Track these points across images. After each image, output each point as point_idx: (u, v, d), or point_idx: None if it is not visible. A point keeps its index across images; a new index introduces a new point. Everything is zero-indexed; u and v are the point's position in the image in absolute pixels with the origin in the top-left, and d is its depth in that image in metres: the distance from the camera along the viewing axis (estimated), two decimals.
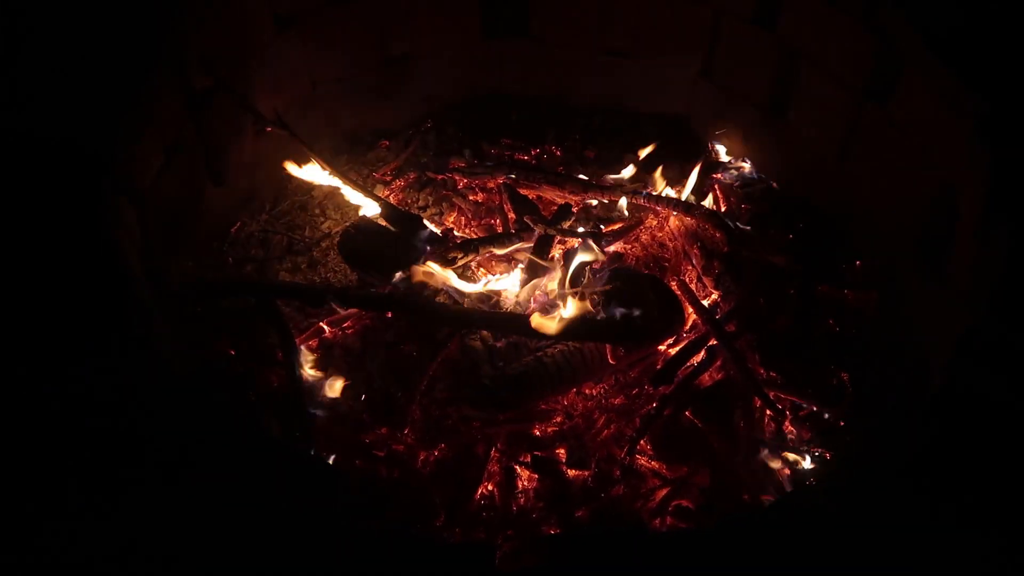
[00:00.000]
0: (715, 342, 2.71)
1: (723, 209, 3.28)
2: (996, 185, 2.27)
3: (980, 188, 2.35)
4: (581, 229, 3.13)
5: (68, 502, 1.65)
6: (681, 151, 3.66)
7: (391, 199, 3.33)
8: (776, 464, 2.55)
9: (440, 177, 3.47)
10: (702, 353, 2.73)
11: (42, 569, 1.57)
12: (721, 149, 3.61)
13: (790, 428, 2.63)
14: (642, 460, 2.54)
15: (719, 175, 3.47)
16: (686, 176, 3.35)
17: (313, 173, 3.11)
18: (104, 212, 2.09)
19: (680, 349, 2.73)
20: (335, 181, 3.14)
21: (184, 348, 2.46)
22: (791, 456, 2.56)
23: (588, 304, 2.61)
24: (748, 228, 3.16)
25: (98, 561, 1.58)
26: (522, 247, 3.04)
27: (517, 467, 2.51)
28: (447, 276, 2.85)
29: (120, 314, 1.91)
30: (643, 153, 3.42)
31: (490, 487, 2.47)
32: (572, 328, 2.54)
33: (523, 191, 3.32)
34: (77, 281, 1.95)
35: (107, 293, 1.93)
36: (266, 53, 3.09)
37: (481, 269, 3.03)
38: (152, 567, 1.58)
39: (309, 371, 2.66)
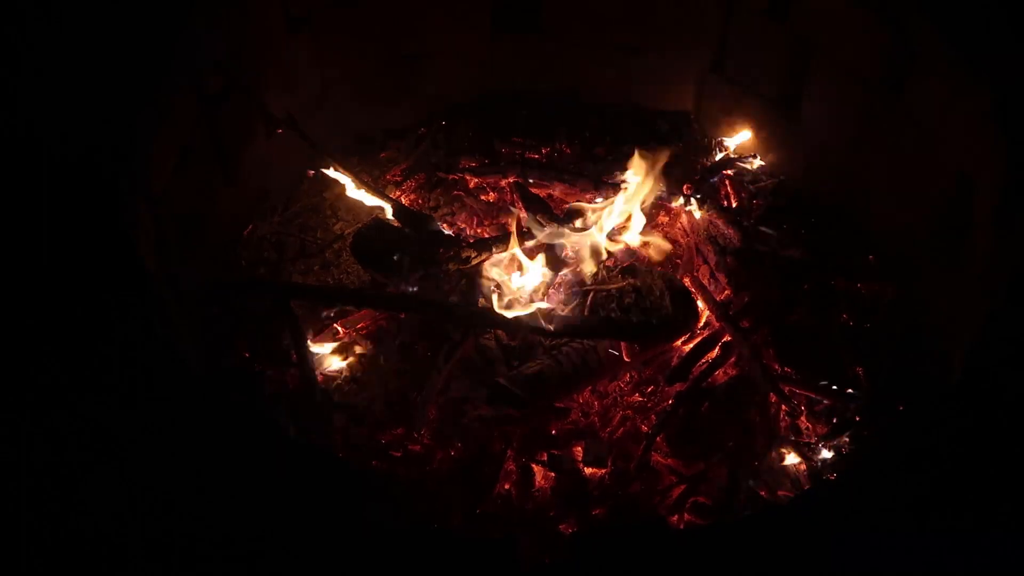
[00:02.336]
0: (729, 338, 2.71)
1: (735, 204, 3.27)
2: (1014, 174, 2.25)
3: (997, 177, 2.33)
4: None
5: (86, 500, 1.65)
6: (691, 146, 3.66)
7: (402, 199, 3.33)
8: (793, 459, 2.54)
9: (451, 177, 3.47)
10: (717, 349, 2.72)
11: (64, 565, 1.58)
12: (731, 144, 3.60)
13: (806, 423, 2.62)
14: (658, 457, 2.54)
15: (730, 171, 3.46)
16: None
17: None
18: (122, 214, 2.09)
19: (694, 346, 2.73)
20: (347, 181, 3.14)
21: (202, 349, 2.47)
22: (808, 451, 2.55)
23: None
24: (760, 223, 3.15)
25: (117, 559, 1.59)
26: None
27: (534, 465, 2.51)
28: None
29: (140, 315, 1.91)
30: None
31: (507, 486, 2.47)
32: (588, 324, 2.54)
33: (534, 190, 3.32)
34: (97, 282, 1.95)
35: (127, 294, 1.94)
36: (278, 54, 3.10)
37: (495, 268, 3.02)
38: (170, 565, 1.58)
39: (323, 370, 2.67)
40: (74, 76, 2.38)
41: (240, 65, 2.89)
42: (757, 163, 3.50)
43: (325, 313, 2.87)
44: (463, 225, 3.28)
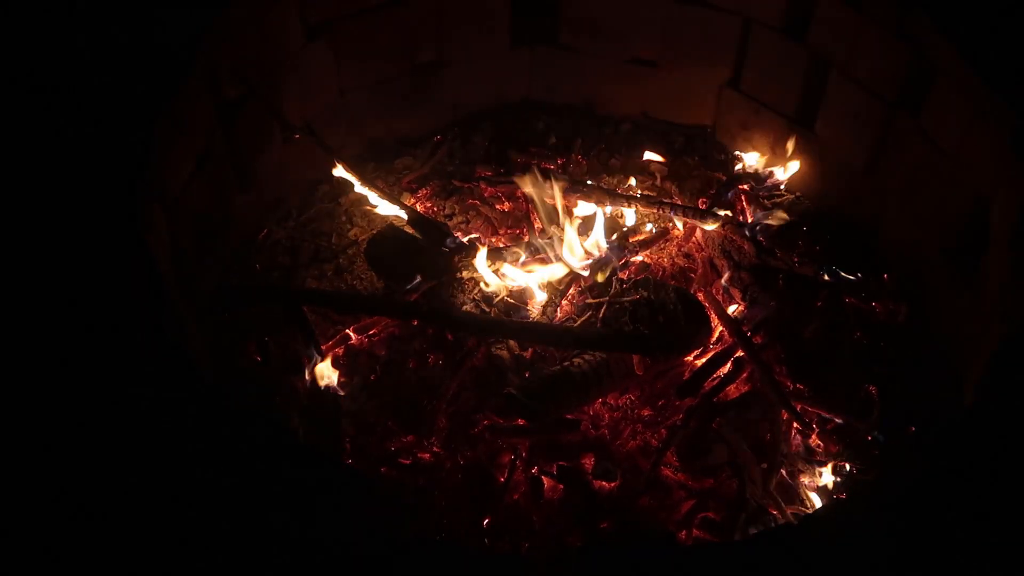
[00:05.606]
0: (742, 354, 2.70)
1: (750, 220, 3.26)
2: None
3: (1014, 200, 2.32)
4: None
5: (92, 504, 1.66)
6: (707, 162, 3.66)
7: (417, 207, 3.34)
8: (804, 478, 2.53)
9: (466, 185, 3.47)
10: (729, 365, 2.71)
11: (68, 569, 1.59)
12: (748, 159, 3.59)
13: (817, 441, 2.61)
14: (668, 472, 2.53)
15: (745, 186, 3.45)
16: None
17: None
18: (138, 218, 2.11)
19: (706, 361, 2.72)
20: (363, 188, 3.15)
21: (213, 354, 2.47)
22: (819, 469, 2.54)
23: None
24: (775, 240, 3.14)
25: (122, 563, 1.59)
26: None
27: (543, 477, 2.50)
28: None
29: (153, 319, 1.92)
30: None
31: (515, 497, 2.46)
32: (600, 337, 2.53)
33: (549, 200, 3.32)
34: (111, 286, 1.96)
35: (141, 298, 1.95)
36: (295, 61, 3.11)
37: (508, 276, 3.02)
38: (178, 571, 1.59)
39: (334, 377, 2.67)
40: (92, 80, 2.40)
41: (258, 72, 2.91)
42: (774, 179, 3.49)
43: (337, 319, 2.88)
44: (478, 234, 3.28)
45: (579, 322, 2.82)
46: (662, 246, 3.23)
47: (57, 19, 2.56)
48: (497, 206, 3.41)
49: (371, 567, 1.61)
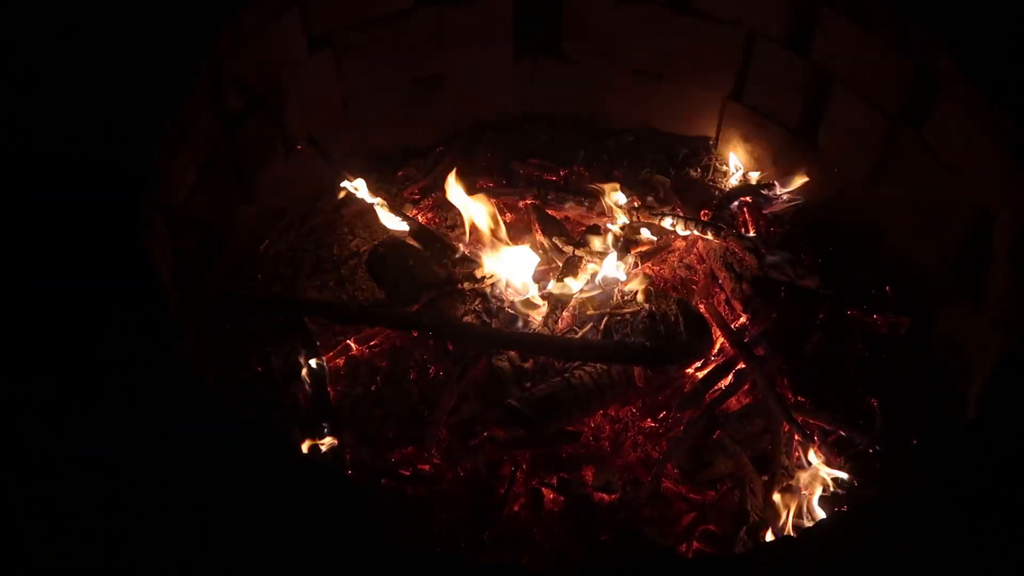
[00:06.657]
0: (744, 366, 2.69)
1: (752, 232, 3.26)
2: None
3: (1016, 213, 2.32)
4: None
5: (92, 513, 1.66)
6: (710, 174, 3.66)
7: (419, 218, 3.34)
8: (805, 490, 2.52)
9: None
10: (730, 376, 2.71)
11: None
12: (751, 171, 3.60)
13: (819, 454, 2.60)
14: (669, 484, 2.52)
15: (748, 198, 3.45)
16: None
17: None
18: (140, 227, 2.11)
19: (708, 372, 2.72)
20: (365, 197, 3.16)
21: (214, 363, 2.48)
22: (820, 482, 2.53)
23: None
24: (777, 251, 3.13)
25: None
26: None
27: (543, 489, 2.49)
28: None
29: (154, 328, 1.92)
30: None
31: (515, 508, 2.46)
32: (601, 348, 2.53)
33: (551, 211, 3.32)
34: (113, 296, 1.97)
35: (142, 307, 1.95)
36: (299, 72, 3.12)
37: (509, 288, 3.02)
38: None
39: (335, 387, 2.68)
40: (97, 90, 2.41)
41: (261, 83, 2.92)
42: (776, 191, 3.49)
43: (339, 330, 2.88)
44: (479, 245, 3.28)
45: (581, 334, 2.81)
46: (664, 257, 3.23)
47: (61, 25, 2.58)
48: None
49: None
